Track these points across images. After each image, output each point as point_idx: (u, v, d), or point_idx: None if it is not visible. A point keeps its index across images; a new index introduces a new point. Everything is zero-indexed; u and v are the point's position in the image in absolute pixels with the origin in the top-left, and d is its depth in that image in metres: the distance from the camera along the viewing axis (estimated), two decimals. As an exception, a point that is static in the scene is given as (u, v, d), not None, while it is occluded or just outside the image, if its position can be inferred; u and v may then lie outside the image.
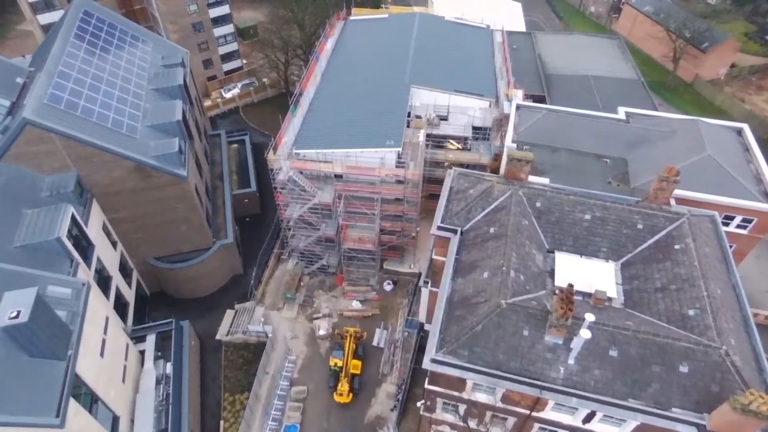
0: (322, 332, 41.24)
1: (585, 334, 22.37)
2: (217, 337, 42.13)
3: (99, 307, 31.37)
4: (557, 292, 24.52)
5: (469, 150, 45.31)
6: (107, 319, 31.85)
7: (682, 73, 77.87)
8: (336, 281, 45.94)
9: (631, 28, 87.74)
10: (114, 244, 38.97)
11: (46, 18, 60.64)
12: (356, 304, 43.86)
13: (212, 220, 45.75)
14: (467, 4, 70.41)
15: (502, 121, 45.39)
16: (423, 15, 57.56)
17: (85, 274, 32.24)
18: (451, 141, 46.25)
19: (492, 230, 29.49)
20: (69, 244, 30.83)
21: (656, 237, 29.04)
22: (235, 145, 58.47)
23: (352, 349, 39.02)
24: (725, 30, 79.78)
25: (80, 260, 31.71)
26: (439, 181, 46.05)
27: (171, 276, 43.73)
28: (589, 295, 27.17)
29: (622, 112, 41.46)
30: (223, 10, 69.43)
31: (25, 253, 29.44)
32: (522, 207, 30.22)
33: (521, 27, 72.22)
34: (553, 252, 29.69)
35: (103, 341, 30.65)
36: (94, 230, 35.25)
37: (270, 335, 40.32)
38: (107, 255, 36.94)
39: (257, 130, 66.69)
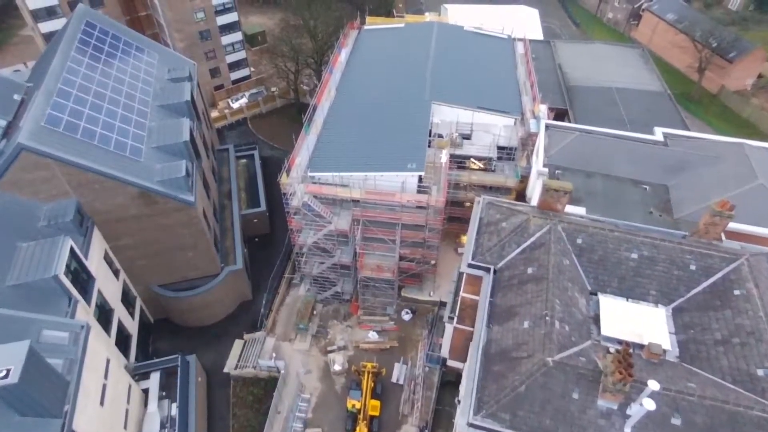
0: (337, 367, 38.55)
1: (649, 404, 19.66)
2: (225, 370, 39.55)
3: (99, 349, 28.89)
4: (611, 350, 21.90)
5: (494, 171, 42.61)
6: (108, 361, 29.38)
7: (707, 84, 74.83)
8: (351, 309, 43.27)
9: (651, 36, 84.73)
10: (116, 273, 36.49)
11: (47, 26, 58.41)
12: (373, 335, 41.19)
13: (220, 244, 43.17)
14: (482, 12, 67.85)
15: (527, 140, 42.73)
16: (441, 25, 54.78)
17: (85, 311, 29.73)
18: (473, 160, 43.59)
19: (530, 270, 26.81)
20: (67, 282, 28.30)
21: (712, 279, 26.31)
22: (244, 160, 55.87)
23: (370, 387, 36.42)
24: (750, 39, 76.74)
25: (79, 297, 29.20)
26: (460, 203, 43.56)
27: (177, 304, 41.22)
28: (640, 346, 24.54)
29: (659, 133, 38.67)
30: (231, 17, 66.96)
31: (18, 293, 26.96)
32: (562, 245, 27.53)
33: (539, 35, 69.38)
34: (595, 294, 27.04)
35: (104, 387, 28.20)
36: (95, 261, 32.77)
37: (282, 371, 37.64)
38: (109, 286, 34.46)
39: (266, 142, 64.16)
